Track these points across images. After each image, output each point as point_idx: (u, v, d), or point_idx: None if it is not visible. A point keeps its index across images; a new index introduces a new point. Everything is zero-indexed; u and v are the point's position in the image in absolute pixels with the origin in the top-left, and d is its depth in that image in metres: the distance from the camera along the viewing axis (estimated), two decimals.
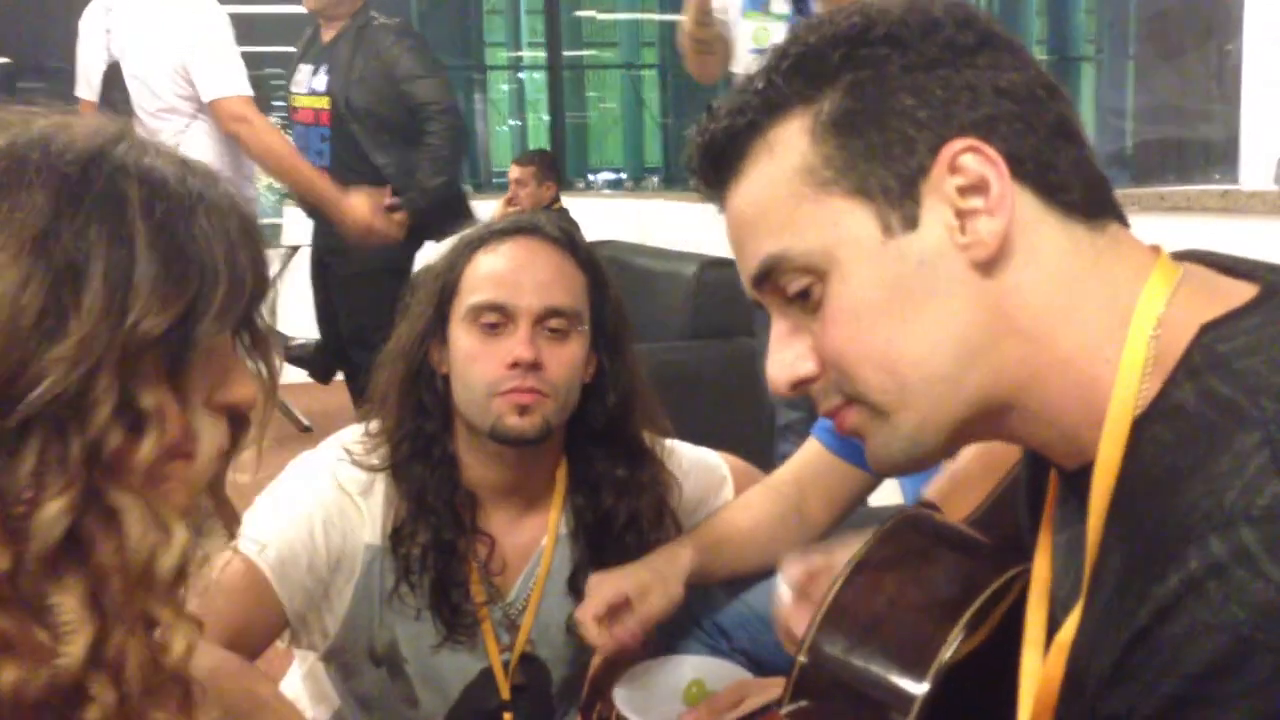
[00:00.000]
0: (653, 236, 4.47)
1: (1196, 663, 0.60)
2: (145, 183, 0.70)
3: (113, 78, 3.33)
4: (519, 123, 15.73)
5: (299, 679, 1.58)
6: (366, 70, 3.67)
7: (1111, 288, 0.72)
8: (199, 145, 3.31)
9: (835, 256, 0.73)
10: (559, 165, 5.25)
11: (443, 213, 3.68)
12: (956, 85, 0.72)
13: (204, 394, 0.73)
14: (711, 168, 0.79)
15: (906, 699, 0.82)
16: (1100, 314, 0.71)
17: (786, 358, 0.78)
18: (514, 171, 5.03)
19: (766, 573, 1.55)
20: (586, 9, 15.10)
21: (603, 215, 5.09)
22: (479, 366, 1.39)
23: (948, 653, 0.81)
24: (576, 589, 1.49)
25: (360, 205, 3.48)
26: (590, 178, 10.47)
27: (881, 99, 0.72)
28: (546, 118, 8.34)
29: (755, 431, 3.35)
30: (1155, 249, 0.76)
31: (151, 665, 0.69)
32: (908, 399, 0.74)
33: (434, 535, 1.41)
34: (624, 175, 12.56)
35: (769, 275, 0.76)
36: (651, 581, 1.40)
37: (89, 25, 3.41)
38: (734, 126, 0.77)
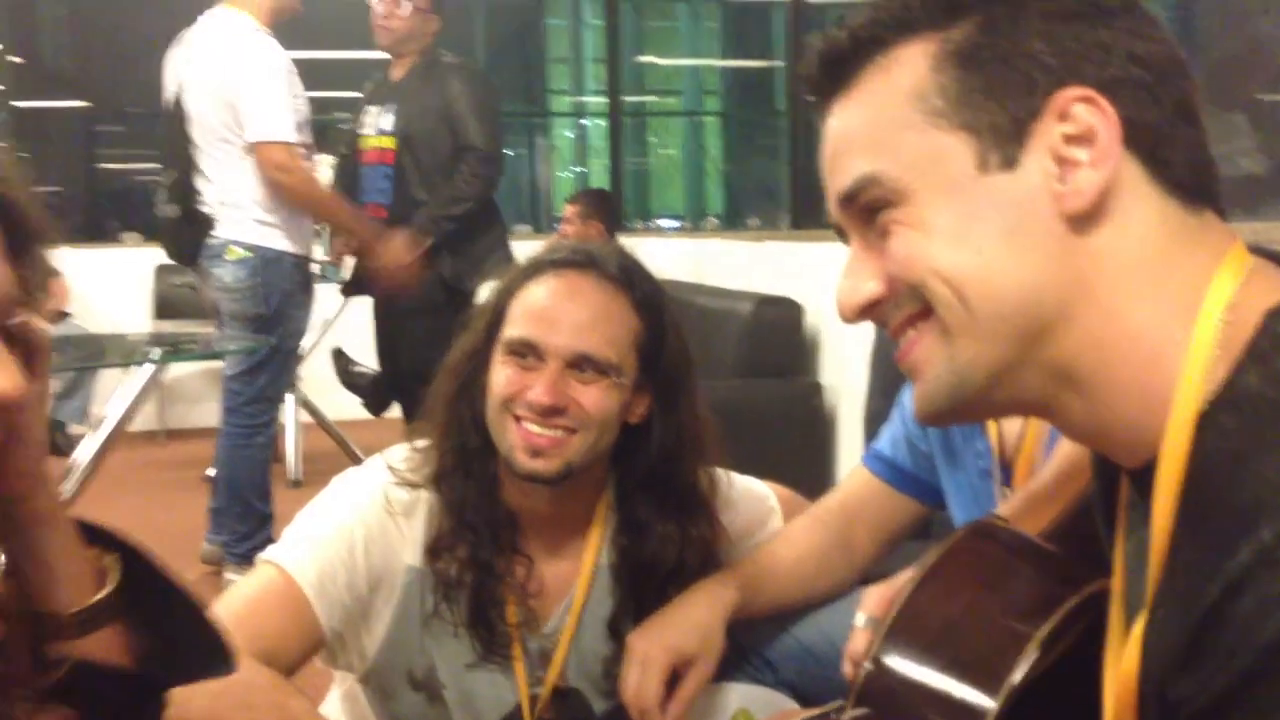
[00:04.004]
0: (710, 275, 4.45)
1: (1268, 635, 0.58)
2: None
3: (175, 111, 3.41)
4: (582, 169, 15.89)
5: (338, 699, 1.57)
6: (429, 105, 3.73)
7: (1190, 270, 0.70)
8: (256, 175, 3.36)
9: (918, 186, 0.72)
10: (613, 207, 5.25)
11: (484, 258, 3.74)
12: (1090, 41, 0.71)
13: None
14: (827, 74, 0.78)
15: (976, 715, 0.78)
16: (1176, 294, 0.70)
17: (856, 281, 0.77)
18: (566, 210, 5.08)
19: (813, 605, 1.52)
20: (648, 55, 15.24)
21: (661, 254, 5.11)
22: (500, 384, 1.37)
23: (1021, 670, 0.78)
24: (616, 631, 1.46)
25: (397, 246, 3.62)
26: (650, 224, 10.51)
27: (1012, 39, 0.72)
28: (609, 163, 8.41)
29: (809, 469, 3.31)
30: (1232, 235, 0.74)
31: None
32: (969, 324, 0.72)
33: (472, 551, 1.40)
34: (684, 222, 12.59)
35: (857, 194, 0.75)
36: (697, 650, 1.37)
37: (168, 60, 3.52)
38: (859, 36, 0.76)
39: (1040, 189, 0.71)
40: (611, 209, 5.11)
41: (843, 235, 0.79)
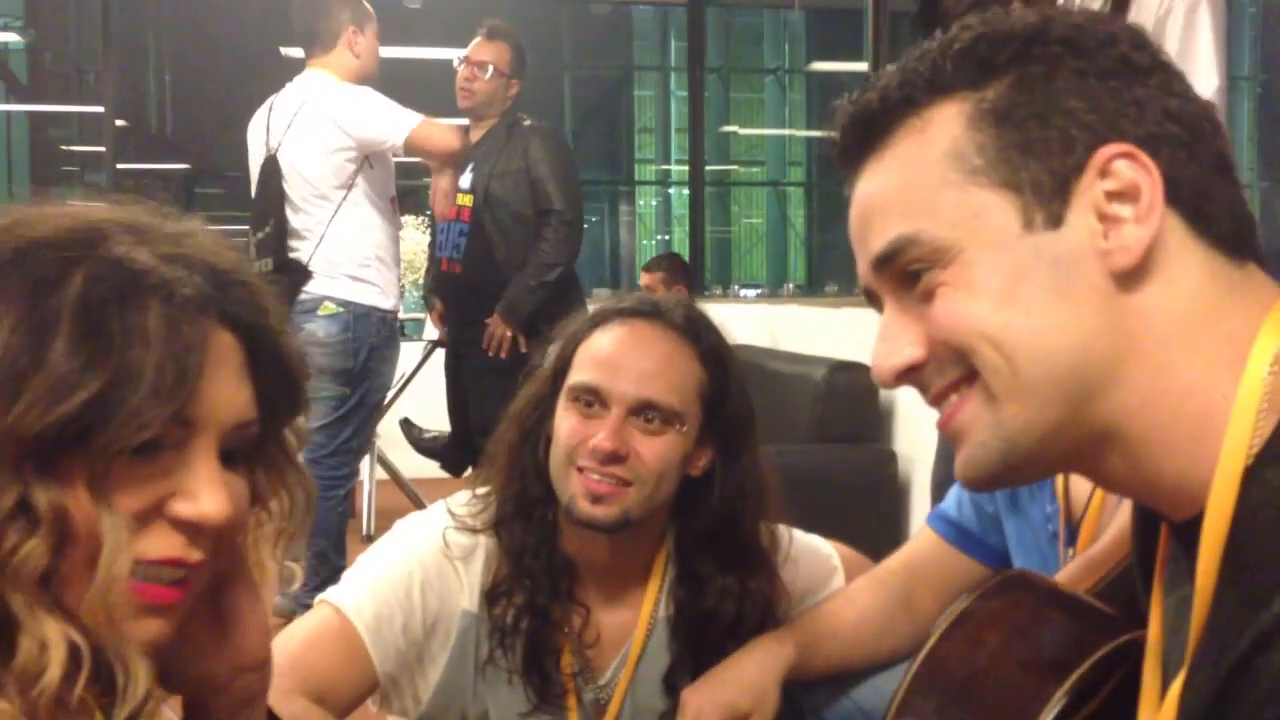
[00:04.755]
0: (786, 341, 4.45)
1: None
2: (97, 275, 0.67)
3: (270, 168, 3.51)
4: (665, 237, 16.02)
5: None
6: (510, 165, 3.80)
7: (1237, 323, 0.69)
8: (349, 231, 3.46)
9: (964, 246, 0.71)
10: (690, 273, 5.29)
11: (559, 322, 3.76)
12: (1126, 99, 0.71)
13: (144, 501, 0.68)
14: (856, 137, 0.77)
15: None
16: (1223, 348, 0.69)
17: (894, 345, 0.75)
18: (644, 279, 5.12)
19: (873, 668, 1.49)
20: (734, 125, 15.37)
21: (738, 319, 5.13)
22: (565, 434, 1.38)
23: (1047, 718, 0.75)
24: (672, 685, 1.45)
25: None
26: (730, 290, 10.55)
27: (1048, 97, 0.71)
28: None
29: (881, 537, 3.26)
30: (1278, 287, 0.73)
31: None
32: (1017, 390, 0.70)
33: (529, 598, 1.40)
34: (765, 290, 12.61)
35: (894, 257, 0.73)
36: (751, 708, 1.35)
37: (255, 124, 3.62)
38: (890, 98, 0.75)
39: (1086, 247, 0.70)
40: (689, 272, 5.15)
41: (874, 301, 0.77)
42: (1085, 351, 0.69)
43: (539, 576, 1.41)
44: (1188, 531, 0.68)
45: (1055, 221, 0.70)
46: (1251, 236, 0.73)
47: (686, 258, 6.05)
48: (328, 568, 3.49)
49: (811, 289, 10.93)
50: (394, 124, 3.41)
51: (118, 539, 0.65)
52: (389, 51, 3.76)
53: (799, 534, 1.57)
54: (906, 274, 0.73)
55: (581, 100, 16.57)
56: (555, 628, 1.42)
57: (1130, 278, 0.69)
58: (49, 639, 0.64)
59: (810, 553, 1.57)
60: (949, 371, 0.73)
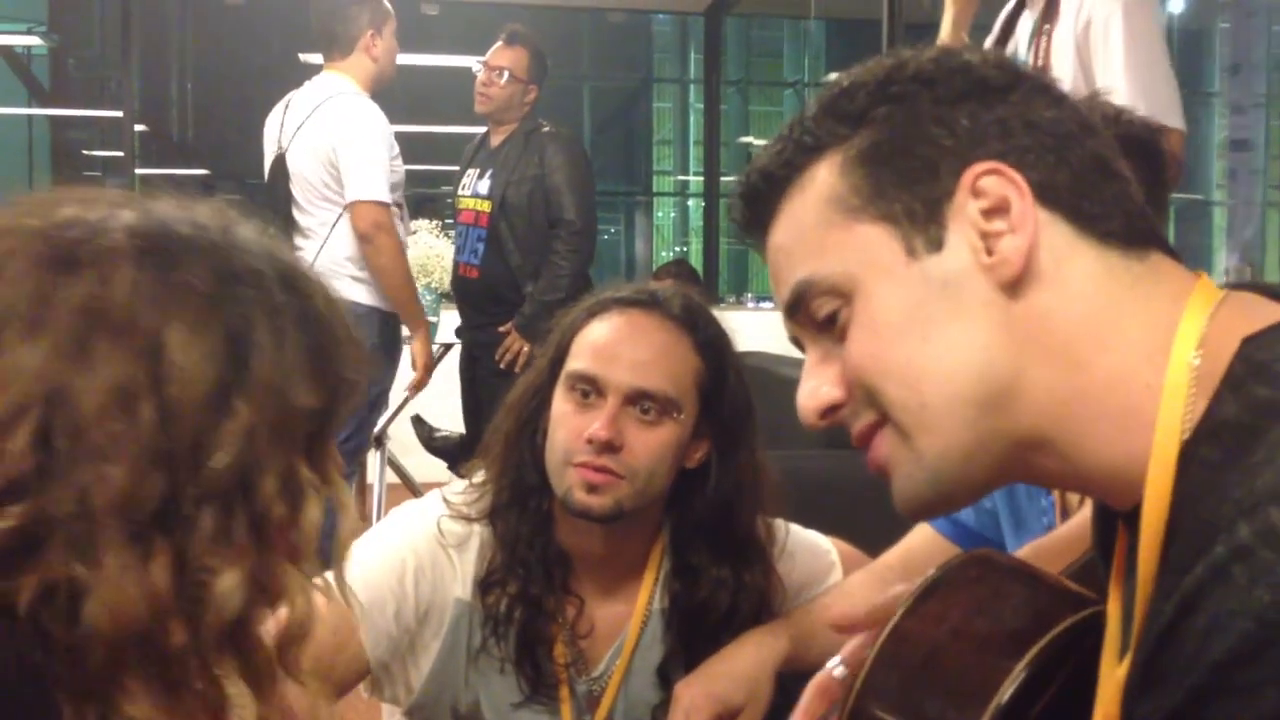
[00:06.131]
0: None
1: (1220, 651, 0.56)
2: (276, 262, 0.74)
3: (278, 167, 3.52)
4: (682, 248, 16.04)
5: None
6: (526, 172, 3.81)
7: (1151, 313, 0.70)
8: (351, 237, 3.46)
9: (859, 278, 0.74)
10: (700, 282, 5.27)
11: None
12: (985, 119, 0.74)
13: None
14: (752, 214, 0.81)
15: None
16: (1139, 339, 0.70)
17: (814, 385, 0.78)
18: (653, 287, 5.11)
19: None
20: (751, 137, 15.37)
21: (750, 326, 5.12)
22: (562, 432, 1.38)
23: (1009, 690, 0.75)
24: (666, 678, 1.45)
25: (420, 354, 3.70)
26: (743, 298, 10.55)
27: (909, 131, 0.74)
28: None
29: (889, 541, 3.24)
30: (1197, 274, 0.74)
31: None
32: (928, 420, 0.72)
33: (522, 587, 1.39)
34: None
35: (800, 301, 0.77)
36: (744, 701, 1.35)
37: (271, 120, 3.64)
38: (769, 171, 0.79)
39: (970, 264, 0.72)
40: (698, 280, 5.14)
41: (801, 348, 0.80)
42: (988, 366, 0.71)
43: (533, 566, 1.41)
44: (1135, 518, 0.68)
45: (936, 245, 0.72)
46: (1149, 227, 0.74)
47: (702, 269, 6.04)
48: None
49: None
50: (356, 183, 3.39)
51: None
52: (404, 59, 3.77)
53: (796, 528, 1.57)
54: (820, 320, 0.76)
55: (600, 111, 16.61)
56: (549, 618, 1.42)
57: (1019, 286, 0.71)
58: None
59: (807, 547, 1.57)
60: (864, 414, 0.76)
